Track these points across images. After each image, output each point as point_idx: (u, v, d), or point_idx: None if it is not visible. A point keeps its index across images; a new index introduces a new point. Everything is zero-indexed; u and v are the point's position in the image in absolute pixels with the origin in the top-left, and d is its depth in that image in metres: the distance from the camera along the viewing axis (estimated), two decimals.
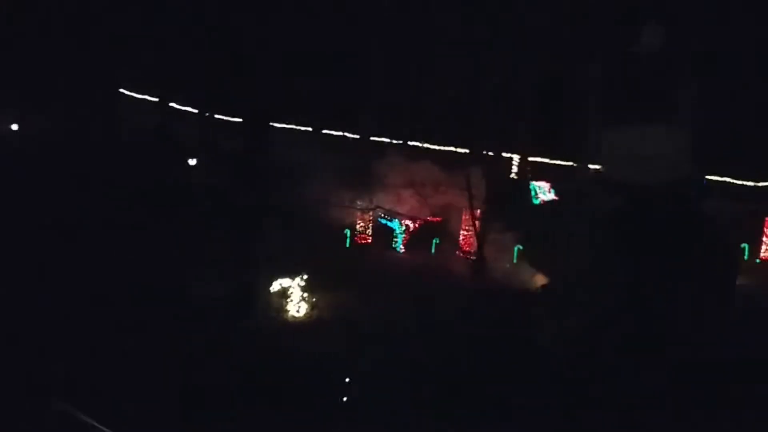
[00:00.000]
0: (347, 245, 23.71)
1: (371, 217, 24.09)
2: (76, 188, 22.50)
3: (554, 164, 29.18)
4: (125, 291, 16.71)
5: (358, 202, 24.00)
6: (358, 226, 24.07)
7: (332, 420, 12.04)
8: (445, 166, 24.48)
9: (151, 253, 18.00)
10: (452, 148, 25.32)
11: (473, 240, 23.43)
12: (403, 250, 23.83)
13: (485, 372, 14.66)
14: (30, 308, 15.60)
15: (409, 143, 24.55)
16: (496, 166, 28.42)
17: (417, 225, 24.08)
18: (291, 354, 14.52)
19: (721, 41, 25.04)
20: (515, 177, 29.01)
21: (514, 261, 22.76)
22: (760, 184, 25.72)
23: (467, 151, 25.53)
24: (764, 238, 23.89)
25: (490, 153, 28.36)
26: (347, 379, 13.07)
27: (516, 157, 28.88)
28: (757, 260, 23.70)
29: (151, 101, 27.49)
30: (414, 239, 23.92)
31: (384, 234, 24.13)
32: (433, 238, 23.80)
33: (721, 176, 26.32)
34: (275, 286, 17.71)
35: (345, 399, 12.58)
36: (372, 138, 24.64)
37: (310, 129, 25.49)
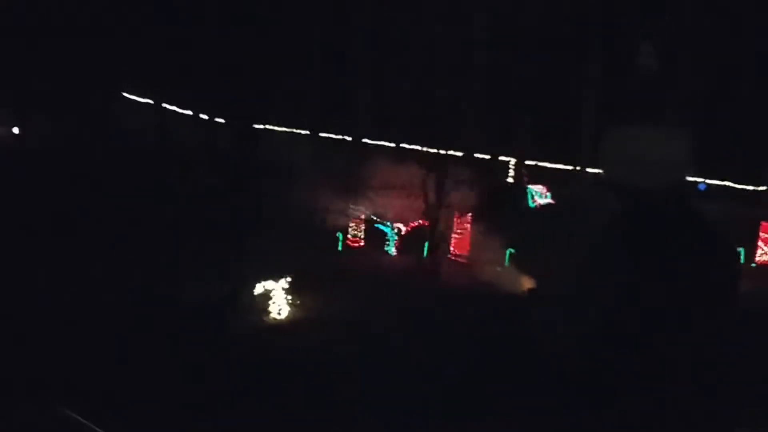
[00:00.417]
0: (339, 248, 23.77)
1: (364, 221, 24.11)
2: (70, 189, 22.63)
3: (551, 168, 29.17)
4: (109, 292, 16.75)
5: (351, 207, 24.00)
6: (350, 229, 24.10)
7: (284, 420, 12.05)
8: (438, 169, 24.40)
9: (134, 256, 18.05)
10: (446, 151, 25.23)
11: (465, 243, 23.44)
12: (395, 254, 23.82)
13: (464, 371, 14.71)
14: (18, 310, 15.68)
15: (402, 146, 24.52)
16: (490, 169, 28.48)
17: (409, 228, 24.06)
18: (263, 355, 14.53)
19: (716, 46, 24.96)
20: (511, 180, 29.01)
21: (506, 264, 22.72)
22: (755, 188, 25.56)
23: (461, 153, 25.58)
24: (760, 242, 23.71)
25: (486, 156, 28.44)
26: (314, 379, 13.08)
27: (512, 161, 28.88)
28: (753, 264, 23.51)
29: (146, 103, 27.62)
30: (407, 242, 23.90)
31: (377, 237, 24.14)
32: (425, 242, 23.76)
33: (717, 179, 26.21)
34: (259, 288, 17.72)
35: (303, 399, 12.58)
36: (364, 140, 24.62)
37: (299, 131, 25.51)
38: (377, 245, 23.90)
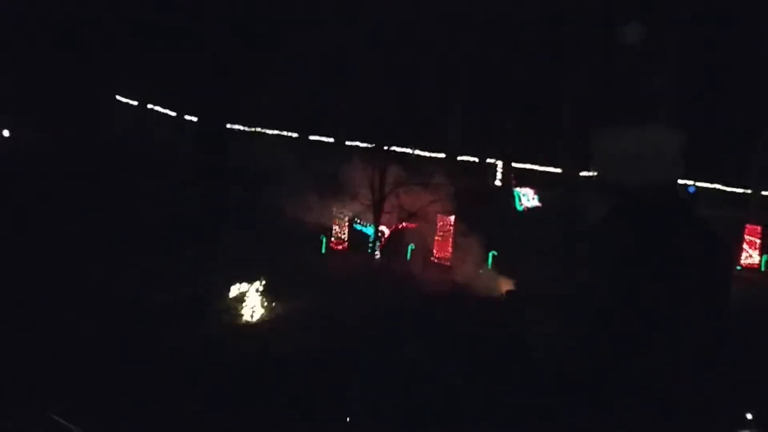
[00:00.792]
0: (323, 251, 23.73)
1: (347, 224, 24.08)
2: (52, 192, 22.62)
3: (539, 171, 29.05)
4: (83, 295, 16.75)
5: (335, 210, 23.97)
6: (334, 232, 24.08)
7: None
8: (422, 173, 24.36)
9: (112, 259, 18.05)
10: (431, 154, 25.25)
11: (447, 246, 23.37)
12: (378, 256, 23.75)
13: (441, 372, 14.68)
14: None
15: (386, 148, 24.43)
16: (476, 172, 28.41)
17: (392, 231, 24.00)
18: (230, 356, 14.52)
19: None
20: (499, 183, 28.92)
21: (489, 267, 22.65)
22: (740, 191, 25.46)
23: (444, 156, 25.56)
24: (744, 245, 23.59)
25: (474, 160, 28.36)
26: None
27: (500, 164, 28.80)
28: (738, 267, 23.39)
29: (125, 104, 27.56)
30: (390, 245, 23.85)
31: (360, 240, 24.08)
32: (408, 244, 23.71)
33: (704, 182, 26.12)
34: (234, 291, 17.71)
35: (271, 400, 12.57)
36: (348, 143, 24.58)
37: (282, 133, 25.47)
38: (360, 248, 23.85)
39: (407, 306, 18.96)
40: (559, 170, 29.16)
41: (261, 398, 12.75)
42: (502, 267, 22.39)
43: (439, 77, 24.64)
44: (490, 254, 22.91)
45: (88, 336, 15.27)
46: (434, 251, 23.50)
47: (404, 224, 23.86)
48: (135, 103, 26.65)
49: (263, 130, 25.31)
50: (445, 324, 17.69)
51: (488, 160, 28.80)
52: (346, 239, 24.14)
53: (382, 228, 23.81)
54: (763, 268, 23.41)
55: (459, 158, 25.13)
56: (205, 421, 12.62)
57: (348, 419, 12.98)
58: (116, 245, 18.59)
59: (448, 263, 23.15)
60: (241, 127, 24.64)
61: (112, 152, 23.65)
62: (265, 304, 17.79)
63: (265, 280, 17.84)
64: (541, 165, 29.23)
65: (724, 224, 22.86)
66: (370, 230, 23.86)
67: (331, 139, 24.51)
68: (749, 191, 25.11)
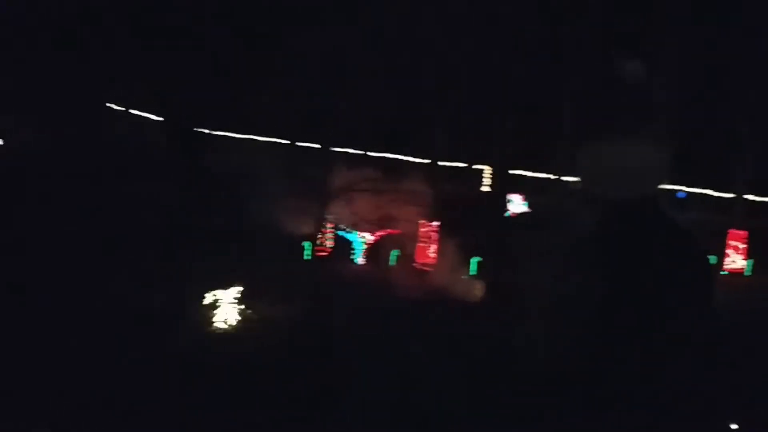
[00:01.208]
0: (306, 257, 23.73)
1: (331, 230, 24.11)
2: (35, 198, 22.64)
3: (528, 176, 28.98)
4: (53, 302, 16.74)
5: (318, 216, 23.99)
6: (317, 239, 24.09)
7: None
8: (407, 178, 24.37)
9: (82, 265, 18.03)
10: (416, 159, 25.22)
11: (430, 252, 23.39)
12: (362, 262, 23.79)
13: (419, 382, 14.61)
14: None
15: (370, 154, 24.47)
16: (463, 177, 28.38)
17: (376, 237, 24.02)
18: (199, 366, 14.46)
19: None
20: (487, 189, 28.86)
21: (472, 272, 22.65)
22: (723, 195, 25.36)
23: (429, 161, 25.51)
24: (728, 250, 23.52)
25: (461, 165, 28.33)
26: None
27: (487, 169, 28.73)
28: (722, 272, 23.33)
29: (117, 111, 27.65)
30: (373, 251, 23.89)
31: (344, 246, 24.13)
32: (392, 250, 23.74)
33: (688, 186, 26.04)
34: (209, 298, 17.69)
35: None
36: (332, 148, 24.58)
37: (264, 138, 25.48)
38: (344, 254, 23.88)
39: (387, 309, 18.93)
40: (548, 176, 29.12)
41: (221, 402, 12.71)
42: (485, 273, 22.40)
43: (423, 81, 24.58)
44: (474, 260, 22.91)
45: (61, 344, 15.25)
46: (417, 257, 23.53)
47: (388, 230, 23.88)
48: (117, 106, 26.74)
49: (243, 136, 25.33)
50: (423, 327, 17.63)
51: (475, 166, 28.77)
52: (329, 245, 24.18)
53: (366, 234, 23.85)
54: (748, 273, 23.39)
55: (445, 164, 25.05)
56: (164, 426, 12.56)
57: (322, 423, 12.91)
58: (85, 251, 18.57)
59: (431, 269, 23.16)
60: (221, 132, 24.66)
61: (85, 157, 23.57)
62: (240, 310, 17.76)
63: (242, 286, 17.79)
64: (531, 170, 29.18)
65: (710, 229, 22.95)
66: (353, 236, 23.90)
67: (317, 145, 24.50)
68: (734, 195, 25.04)
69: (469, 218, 24.84)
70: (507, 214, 28.54)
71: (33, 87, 24.84)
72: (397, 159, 24.86)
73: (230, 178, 22.30)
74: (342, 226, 24.01)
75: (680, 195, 28.28)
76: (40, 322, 15.87)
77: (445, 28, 25.72)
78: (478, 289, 21.56)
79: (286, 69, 22.48)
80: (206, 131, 22.91)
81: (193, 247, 19.07)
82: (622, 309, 3.56)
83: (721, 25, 24.17)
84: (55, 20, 24.69)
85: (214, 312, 17.33)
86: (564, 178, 28.23)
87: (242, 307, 17.75)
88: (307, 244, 23.66)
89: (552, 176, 29.09)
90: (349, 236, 24.00)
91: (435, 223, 23.39)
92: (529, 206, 28.51)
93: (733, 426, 11.04)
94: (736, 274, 23.39)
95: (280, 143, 25.02)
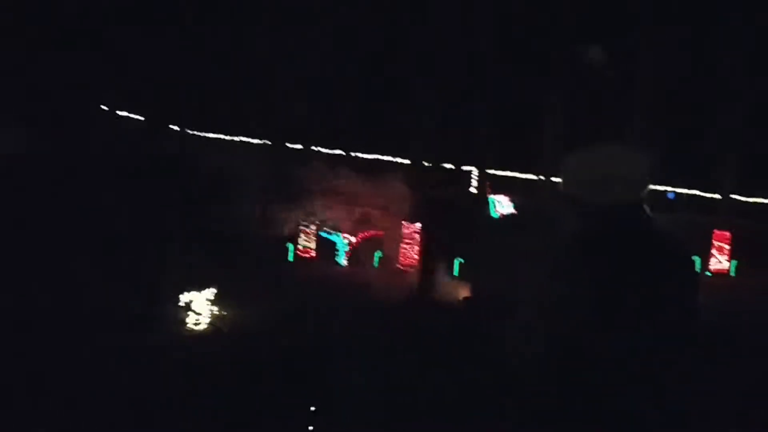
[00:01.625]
0: (290, 259, 23.70)
1: (314, 231, 24.04)
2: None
3: (514, 177, 28.91)
4: (28, 304, 16.70)
5: (302, 218, 23.94)
6: (300, 240, 24.04)
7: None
8: (391, 179, 24.29)
9: (56, 267, 18.00)
10: (398, 159, 25.16)
11: (413, 253, 23.30)
12: (345, 264, 23.72)
13: (399, 384, 14.54)
14: None
15: (353, 154, 24.43)
16: (449, 179, 28.29)
17: (360, 239, 23.94)
18: (168, 367, 14.39)
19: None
20: (473, 190, 28.79)
21: (454, 274, 22.54)
22: (708, 195, 25.27)
23: (413, 162, 25.44)
24: (713, 251, 23.39)
25: (447, 166, 28.25)
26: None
27: (474, 170, 28.66)
28: (708, 273, 23.20)
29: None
30: (356, 252, 23.82)
31: (328, 248, 24.05)
32: (374, 252, 23.67)
33: (675, 187, 25.96)
34: (182, 299, 17.64)
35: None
36: (315, 149, 24.55)
37: (247, 139, 25.45)
38: (328, 256, 23.81)
39: (367, 309, 18.88)
40: (534, 177, 29.04)
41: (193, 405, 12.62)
42: (467, 274, 22.28)
43: (407, 83, 24.54)
44: (456, 261, 22.81)
45: (36, 346, 15.19)
46: (400, 258, 23.45)
47: (371, 232, 23.82)
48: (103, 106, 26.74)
49: (234, 138, 25.32)
50: (405, 327, 17.54)
51: (462, 167, 28.71)
52: (312, 247, 24.11)
53: (348, 236, 23.78)
54: (732, 274, 23.25)
55: (430, 164, 24.99)
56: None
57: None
58: (66, 252, 18.55)
59: (413, 270, 23.05)
60: (202, 133, 24.67)
61: (60, 159, 23.53)
62: (214, 311, 17.70)
63: (219, 288, 17.74)
64: (517, 172, 29.12)
65: (696, 230, 22.83)
66: (336, 238, 23.84)
67: (298, 146, 24.47)
68: (719, 196, 24.94)
69: (454, 219, 24.75)
70: (495, 215, 28.48)
71: (19, 89, 24.89)
72: (380, 160, 24.78)
73: (213, 179, 22.31)
74: (325, 228, 23.94)
75: (670, 196, 28.22)
76: (7, 323, 15.84)
77: (429, 31, 25.74)
78: (460, 290, 21.46)
79: (266, 70, 22.52)
80: (188, 131, 22.84)
81: (173, 248, 19.02)
82: (607, 313, 3.50)
83: (709, 26, 24.13)
84: (46, 22, 24.69)
85: (188, 313, 17.29)
86: (549, 179, 28.19)
87: (217, 308, 17.72)
88: (290, 246, 23.64)
89: (537, 177, 29.04)
90: (332, 237, 23.92)
91: (417, 225, 23.28)
92: (516, 208, 28.46)
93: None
94: (720, 274, 23.24)
95: (263, 144, 25.01)
